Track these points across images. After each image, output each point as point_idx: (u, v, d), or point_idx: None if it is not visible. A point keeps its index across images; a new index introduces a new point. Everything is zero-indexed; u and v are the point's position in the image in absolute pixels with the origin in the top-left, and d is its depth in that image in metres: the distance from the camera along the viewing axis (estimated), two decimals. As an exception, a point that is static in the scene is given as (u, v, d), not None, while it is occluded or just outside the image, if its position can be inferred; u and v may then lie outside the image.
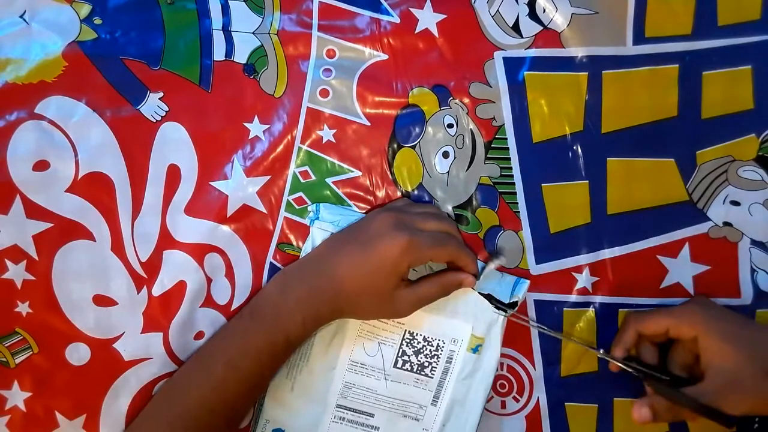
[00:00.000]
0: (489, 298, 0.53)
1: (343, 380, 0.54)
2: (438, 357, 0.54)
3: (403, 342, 0.53)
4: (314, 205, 0.54)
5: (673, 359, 0.51)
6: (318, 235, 0.53)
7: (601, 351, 0.52)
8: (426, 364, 0.54)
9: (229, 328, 0.52)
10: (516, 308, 0.53)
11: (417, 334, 0.53)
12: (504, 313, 0.53)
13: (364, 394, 0.54)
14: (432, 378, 0.54)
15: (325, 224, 0.53)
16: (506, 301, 0.53)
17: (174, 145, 0.53)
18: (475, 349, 0.53)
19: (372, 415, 0.54)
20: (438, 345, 0.54)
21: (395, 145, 0.55)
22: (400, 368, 0.54)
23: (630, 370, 0.51)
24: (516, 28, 0.54)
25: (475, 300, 0.53)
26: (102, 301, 0.53)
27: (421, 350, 0.54)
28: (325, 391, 0.54)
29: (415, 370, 0.54)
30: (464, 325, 0.53)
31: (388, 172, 0.55)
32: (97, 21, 0.53)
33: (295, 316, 0.49)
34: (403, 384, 0.54)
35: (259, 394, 0.53)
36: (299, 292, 0.50)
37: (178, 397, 0.50)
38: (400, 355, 0.54)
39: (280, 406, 0.54)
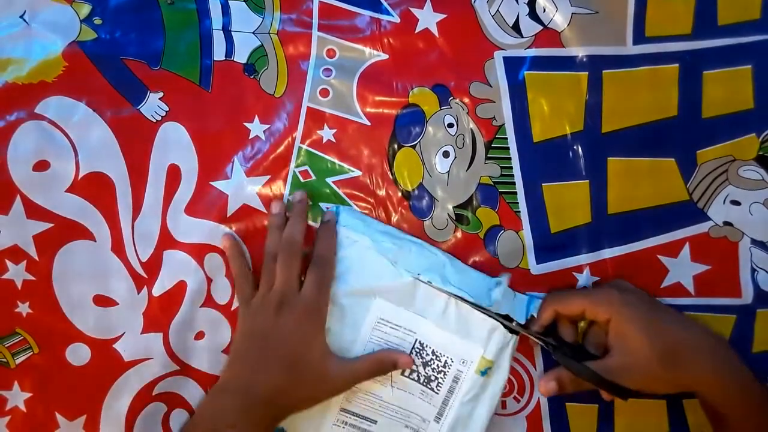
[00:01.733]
0: (507, 318, 0.52)
1: None
2: (445, 374, 0.53)
3: (413, 351, 0.53)
4: (335, 207, 0.54)
5: (588, 338, 0.53)
6: (345, 243, 0.53)
7: (514, 323, 0.52)
8: (433, 378, 0.53)
9: None
10: (527, 327, 0.53)
11: (427, 346, 0.53)
12: (517, 334, 0.53)
13: (369, 399, 0.53)
14: (437, 394, 0.53)
15: (353, 234, 0.53)
16: (523, 321, 0.52)
17: (174, 145, 0.53)
18: (484, 372, 0.53)
19: (374, 422, 0.54)
20: (446, 362, 0.53)
21: (395, 145, 0.55)
22: (407, 377, 0.53)
23: (541, 343, 0.53)
24: (516, 27, 0.54)
25: (490, 323, 0.52)
26: (102, 301, 0.53)
27: (429, 363, 0.53)
28: None
29: (421, 381, 0.53)
30: (475, 347, 0.53)
31: (389, 172, 0.55)
32: (98, 21, 0.53)
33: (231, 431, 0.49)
34: (408, 393, 0.53)
35: None
36: (229, 405, 0.49)
37: None
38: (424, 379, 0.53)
39: None
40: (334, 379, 0.50)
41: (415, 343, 0.53)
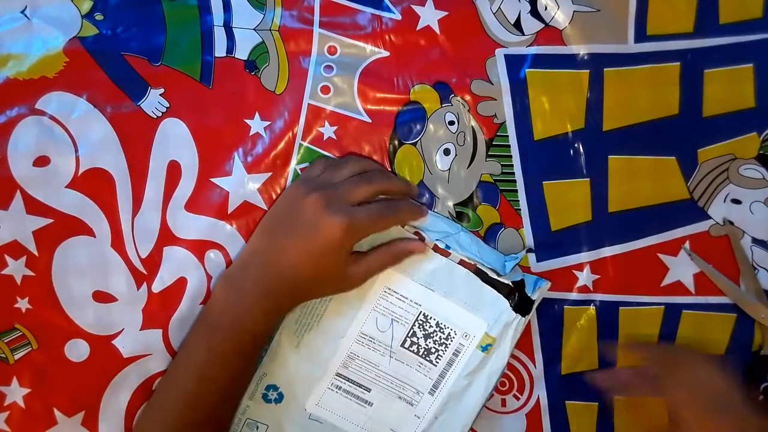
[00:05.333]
0: (519, 287, 0.52)
1: (349, 350, 0.53)
2: (446, 347, 0.53)
3: (416, 323, 0.53)
4: None
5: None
6: None
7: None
8: (433, 350, 0.53)
9: (190, 344, 0.51)
10: (533, 311, 0.53)
11: (431, 318, 0.53)
12: (524, 315, 0.53)
13: (366, 367, 0.54)
14: (435, 366, 0.53)
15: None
16: (531, 293, 0.52)
17: (175, 142, 0.53)
18: (485, 348, 0.53)
19: (368, 390, 0.54)
20: (449, 334, 0.53)
21: (396, 142, 0.55)
22: (407, 348, 0.53)
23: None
24: (518, 25, 0.54)
25: (499, 302, 0.52)
26: (102, 297, 0.53)
27: (431, 335, 0.53)
28: (328, 357, 0.54)
29: (421, 353, 0.53)
30: (480, 322, 0.53)
31: (390, 169, 0.55)
32: (99, 17, 0.53)
33: (256, 315, 0.49)
34: (406, 365, 0.54)
35: (239, 399, 0.53)
36: (253, 291, 0.49)
37: (158, 421, 0.50)
38: (410, 335, 0.53)
39: (281, 362, 0.54)
40: (350, 275, 0.50)
41: (419, 315, 0.53)
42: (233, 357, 0.49)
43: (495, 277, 0.52)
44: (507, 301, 0.52)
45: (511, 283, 0.52)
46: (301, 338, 0.54)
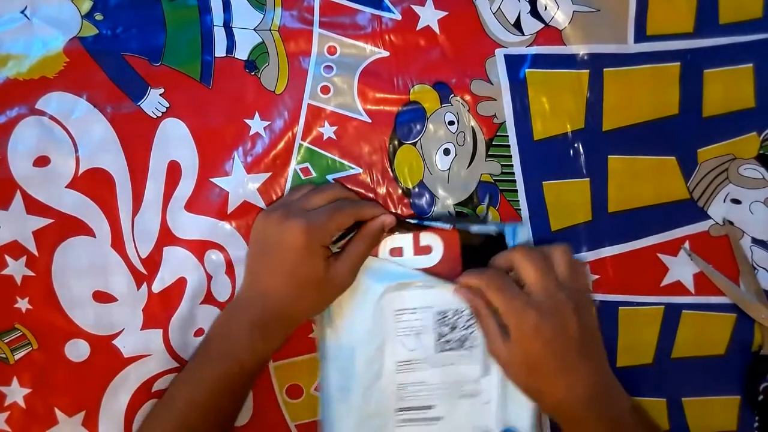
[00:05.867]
0: (500, 239, 0.53)
1: (396, 384, 0.53)
2: (473, 325, 0.53)
3: (437, 324, 0.53)
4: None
5: None
6: None
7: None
8: (465, 337, 0.53)
9: (187, 367, 0.52)
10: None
11: (447, 311, 0.53)
12: None
13: (418, 388, 0.53)
14: (475, 347, 0.53)
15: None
16: (512, 243, 0.52)
17: (174, 142, 0.53)
18: None
19: (431, 407, 0.53)
20: (469, 311, 0.53)
21: (396, 142, 0.55)
22: (443, 351, 0.53)
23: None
24: (517, 25, 0.54)
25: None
26: (102, 297, 0.53)
27: (456, 324, 0.53)
28: (380, 402, 0.53)
29: (457, 347, 0.53)
30: None
31: (389, 169, 0.55)
32: (99, 17, 0.53)
33: (243, 343, 0.50)
34: (451, 365, 0.53)
35: (228, 427, 0.53)
36: (242, 319, 0.51)
37: None
38: (438, 338, 0.53)
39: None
40: (333, 276, 0.50)
41: (436, 316, 0.53)
42: (219, 384, 0.50)
43: (477, 230, 0.52)
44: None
45: (494, 234, 0.52)
46: (350, 406, 0.53)
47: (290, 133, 0.54)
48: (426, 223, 0.53)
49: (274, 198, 0.54)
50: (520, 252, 0.49)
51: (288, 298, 0.50)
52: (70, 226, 0.52)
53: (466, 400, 0.53)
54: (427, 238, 0.53)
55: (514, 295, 0.48)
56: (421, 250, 0.54)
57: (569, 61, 0.54)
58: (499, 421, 0.53)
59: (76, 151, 0.52)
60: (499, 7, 0.54)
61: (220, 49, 0.54)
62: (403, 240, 0.54)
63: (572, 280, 0.49)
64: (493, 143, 0.55)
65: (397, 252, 0.54)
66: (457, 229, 0.53)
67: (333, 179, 0.55)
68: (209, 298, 0.54)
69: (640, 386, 0.54)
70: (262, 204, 0.54)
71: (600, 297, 0.55)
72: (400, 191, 0.55)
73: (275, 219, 0.50)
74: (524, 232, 0.53)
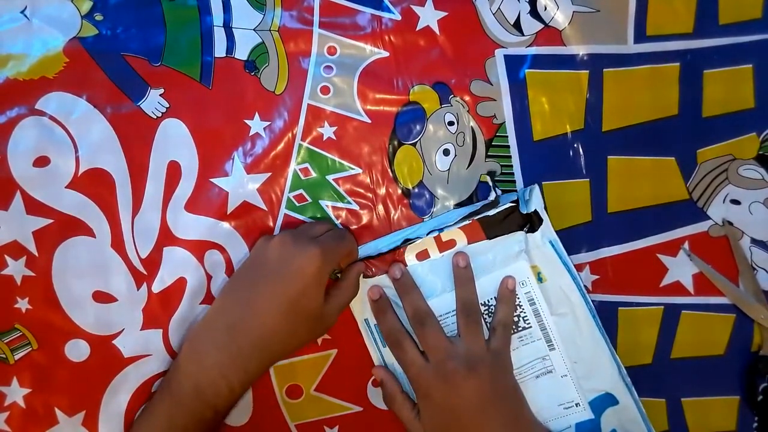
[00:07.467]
0: (514, 206, 0.52)
1: None
2: (521, 306, 0.53)
3: (484, 315, 0.53)
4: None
5: None
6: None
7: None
8: (517, 319, 0.53)
9: (152, 410, 0.50)
10: (544, 215, 0.53)
11: (489, 300, 0.53)
12: (537, 230, 0.53)
13: None
14: (532, 326, 0.53)
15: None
16: (524, 210, 0.52)
17: (174, 142, 0.53)
18: (540, 278, 0.53)
19: None
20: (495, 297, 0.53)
21: (396, 143, 0.55)
22: None
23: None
24: (517, 25, 0.54)
25: (510, 239, 0.52)
26: (102, 297, 0.53)
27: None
28: None
29: (512, 332, 0.53)
30: (518, 265, 0.52)
31: (389, 170, 0.55)
32: (98, 17, 0.53)
33: (219, 387, 0.48)
34: (515, 350, 0.53)
35: None
36: (217, 358, 0.48)
37: None
38: (489, 328, 0.53)
39: None
40: (326, 314, 0.50)
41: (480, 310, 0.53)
42: (193, 429, 0.48)
43: (495, 213, 0.52)
44: (518, 232, 0.52)
45: (506, 209, 0.52)
46: None
47: (290, 134, 0.54)
48: (444, 227, 0.53)
49: (274, 198, 0.54)
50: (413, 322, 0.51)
51: (282, 334, 0.48)
52: (70, 227, 0.52)
53: (544, 378, 0.53)
54: (447, 233, 0.53)
55: (410, 362, 0.51)
56: (446, 246, 0.53)
57: (569, 62, 0.54)
58: (583, 391, 0.53)
59: (76, 151, 0.52)
60: (498, 8, 0.54)
61: (219, 50, 0.54)
62: (425, 243, 0.53)
63: (469, 342, 0.50)
64: (493, 144, 0.55)
65: (423, 254, 0.54)
66: (477, 220, 0.53)
67: (333, 179, 0.55)
68: (209, 298, 0.54)
69: (640, 386, 0.53)
70: (261, 204, 0.54)
71: (599, 297, 0.55)
72: (399, 191, 0.55)
73: (281, 240, 0.49)
74: (535, 195, 0.53)
